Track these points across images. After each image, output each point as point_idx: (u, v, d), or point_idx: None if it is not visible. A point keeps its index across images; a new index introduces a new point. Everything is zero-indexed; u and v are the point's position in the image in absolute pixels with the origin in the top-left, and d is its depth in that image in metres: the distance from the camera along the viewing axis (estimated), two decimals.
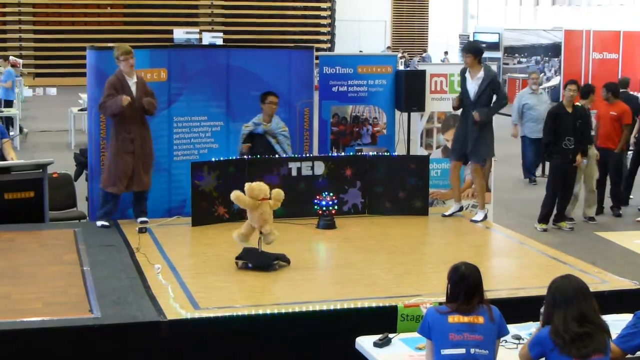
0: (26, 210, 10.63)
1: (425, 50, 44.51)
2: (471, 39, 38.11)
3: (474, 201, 11.95)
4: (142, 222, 10.56)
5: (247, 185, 9.11)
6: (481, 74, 10.95)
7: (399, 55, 41.31)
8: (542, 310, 5.67)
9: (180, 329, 7.24)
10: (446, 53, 44.66)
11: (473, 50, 11.11)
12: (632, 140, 14.91)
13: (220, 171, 10.70)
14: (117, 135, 10.51)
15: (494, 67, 13.26)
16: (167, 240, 9.95)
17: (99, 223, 10.55)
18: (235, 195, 9.03)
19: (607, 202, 14.74)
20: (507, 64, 35.58)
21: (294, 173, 11.16)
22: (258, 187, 9.06)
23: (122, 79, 10.43)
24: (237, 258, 8.99)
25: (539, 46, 34.56)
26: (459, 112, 11.32)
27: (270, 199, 9.06)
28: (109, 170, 10.59)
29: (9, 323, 7.06)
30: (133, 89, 10.43)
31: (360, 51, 35.12)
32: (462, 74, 11.17)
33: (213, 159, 10.93)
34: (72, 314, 7.34)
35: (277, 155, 11.28)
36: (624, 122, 14.41)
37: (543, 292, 5.69)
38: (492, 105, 11.02)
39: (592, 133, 13.78)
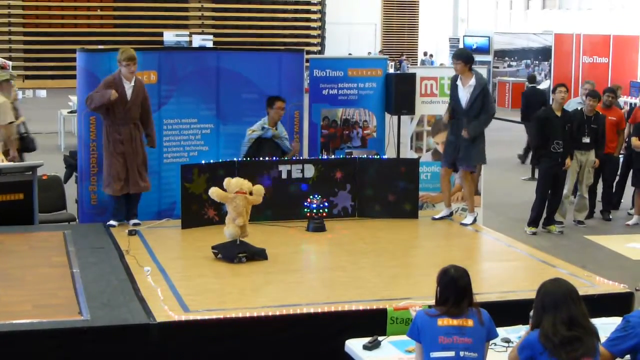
0: (15, 212, 10.60)
1: (430, 55, 44.47)
2: (461, 42, 38.20)
3: (463, 204, 11.95)
4: (134, 225, 10.57)
5: (226, 180, 9.47)
6: (473, 81, 10.86)
7: (403, 58, 41.45)
8: (531, 313, 5.67)
9: (169, 332, 7.24)
10: (425, 54, 44.70)
11: (464, 57, 11.01)
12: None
13: (210, 174, 10.69)
14: (107, 136, 10.59)
15: (484, 71, 13.30)
16: (157, 243, 9.94)
17: (109, 222, 10.66)
18: (212, 190, 9.45)
19: (598, 205, 14.77)
20: (497, 67, 35.66)
21: (284, 176, 11.17)
22: (236, 181, 9.46)
23: (120, 81, 10.45)
24: (213, 248, 9.40)
25: (529, 50, 34.64)
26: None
27: (246, 193, 9.38)
28: (105, 172, 10.68)
29: None
30: (128, 92, 10.46)
31: (350, 54, 35.12)
32: (454, 81, 11.09)
33: (203, 162, 10.93)
34: (62, 317, 7.32)
35: (284, 155, 11.45)
36: (621, 127, 14.50)
37: (532, 295, 5.69)
38: (480, 118, 10.90)
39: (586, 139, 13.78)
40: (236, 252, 9.26)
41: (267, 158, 11.18)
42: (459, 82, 10.99)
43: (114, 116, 10.46)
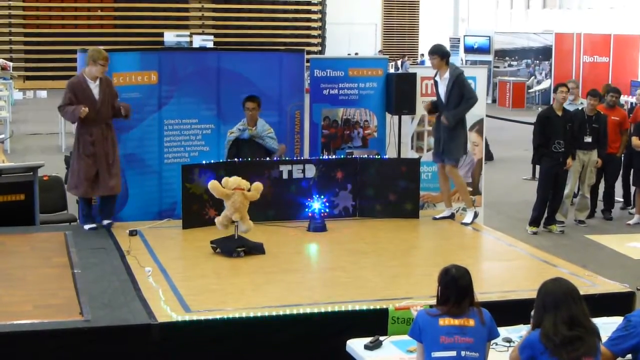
0: (17, 213, 10.61)
1: (421, 55, 44.49)
2: (462, 42, 38.21)
3: (464, 204, 11.95)
4: (106, 225, 10.49)
5: (224, 179, 9.71)
6: (447, 74, 10.93)
7: (405, 59, 41.45)
8: (532, 313, 5.67)
9: (171, 332, 7.24)
10: (422, 55, 44.68)
11: (439, 52, 11.07)
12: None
13: (212, 176, 10.68)
14: (78, 137, 10.45)
15: (484, 71, 13.30)
16: (158, 243, 9.94)
17: (86, 227, 10.55)
18: (211, 184, 9.66)
19: (599, 205, 14.77)
20: (497, 67, 35.68)
21: (285, 176, 11.16)
22: (234, 179, 9.70)
23: (84, 81, 10.34)
24: (211, 242, 9.60)
25: (529, 49, 34.67)
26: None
27: (244, 189, 9.65)
28: (72, 173, 10.56)
29: None
30: (95, 92, 10.32)
31: (349, 54, 35.06)
32: (434, 77, 11.21)
33: (204, 162, 10.93)
34: (63, 317, 7.32)
35: (270, 155, 11.36)
36: (624, 127, 14.50)
37: (533, 294, 5.69)
38: (459, 106, 10.97)
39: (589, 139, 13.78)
40: (234, 247, 9.47)
41: (254, 159, 11.15)
42: (437, 78, 11.09)
43: (85, 117, 10.26)
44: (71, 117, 10.34)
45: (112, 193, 10.59)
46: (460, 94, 10.90)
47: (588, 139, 13.67)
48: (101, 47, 10.63)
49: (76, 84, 10.35)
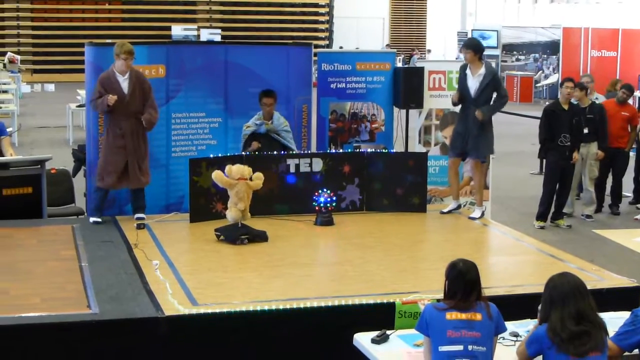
0: (24, 206, 10.63)
1: (423, 51, 44.45)
2: (469, 36, 38.13)
3: (472, 199, 11.95)
4: (138, 219, 10.56)
5: (227, 166, 9.91)
6: (482, 70, 10.89)
7: (415, 51, 41.44)
8: (539, 307, 5.67)
9: (178, 325, 7.25)
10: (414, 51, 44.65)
11: (473, 46, 11.05)
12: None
13: (219, 167, 10.68)
14: (109, 130, 10.55)
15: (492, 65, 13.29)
16: (165, 237, 9.95)
17: (91, 219, 10.58)
18: (215, 174, 9.87)
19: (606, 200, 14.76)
20: (505, 61, 35.60)
21: (292, 169, 11.17)
22: (237, 168, 9.92)
23: (113, 75, 10.41)
24: (215, 230, 9.88)
25: (537, 44, 34.59)
26: (458, 108, 11.29)
27: (247, 179, 9.88)
28: (100, 165, 10.64)
29: (7, 318, 7.07)
30: (124, 85, 10.39)
31: (356, 48, 34.98)
32: (463, 70, 11.10)
33: (211, 155, 10.93)
34: (70, 310, 7.34)
35: (287, 150, 11.38)
36: (634, 123, 14.47)
37: (540, 289, 5.69)
38: (493, 103, 10.99)
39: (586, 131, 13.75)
40: (238, 234, 9.64)
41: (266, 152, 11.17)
42: (468, 71, 11.01)
43: (114, 111, 10.39)
44: (101, 107, 10.42)
45: (141, 186, 10.68)
46: (492, 92, 10.93)
47: (585, 131, 13.56)
48: (125, 41, 10.71)
49: (105, 78, 10.46)
